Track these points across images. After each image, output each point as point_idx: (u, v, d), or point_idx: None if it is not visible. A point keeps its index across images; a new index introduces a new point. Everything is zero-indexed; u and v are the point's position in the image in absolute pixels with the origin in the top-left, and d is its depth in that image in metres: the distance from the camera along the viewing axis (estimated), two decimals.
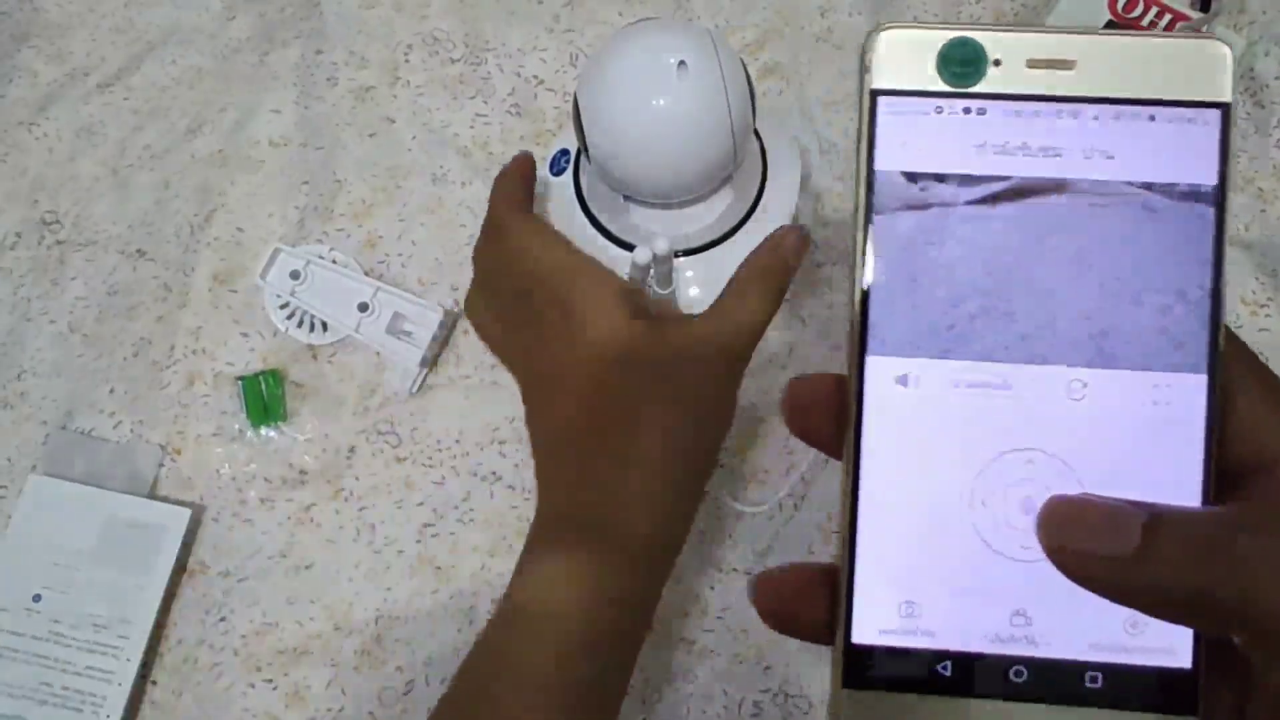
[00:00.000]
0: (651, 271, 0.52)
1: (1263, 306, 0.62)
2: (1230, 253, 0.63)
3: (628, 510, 0.44)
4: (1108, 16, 0.64)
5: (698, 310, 0.55)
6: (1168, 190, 0.25)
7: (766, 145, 0.61)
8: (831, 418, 0.26)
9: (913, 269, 0.26)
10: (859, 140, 0.26)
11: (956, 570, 0.25)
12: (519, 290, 0.49)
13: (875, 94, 0.26)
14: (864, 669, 0.25)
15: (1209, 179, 0.25)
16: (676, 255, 0.56)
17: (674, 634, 0.59)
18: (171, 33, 0.76)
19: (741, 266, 0.49)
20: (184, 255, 0.69)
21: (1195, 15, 0.63)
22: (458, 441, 0.63)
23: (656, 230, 0.58)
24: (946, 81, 0.26)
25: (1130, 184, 0.25)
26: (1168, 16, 0.64)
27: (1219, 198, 0.25)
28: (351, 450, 0.64)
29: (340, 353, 0.66)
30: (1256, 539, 0.21)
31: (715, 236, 0.58)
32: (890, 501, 0.26)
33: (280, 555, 0.62)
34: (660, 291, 0.53)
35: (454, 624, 0.60)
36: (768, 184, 0.60)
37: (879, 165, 0.26)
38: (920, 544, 0.25)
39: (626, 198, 0.58)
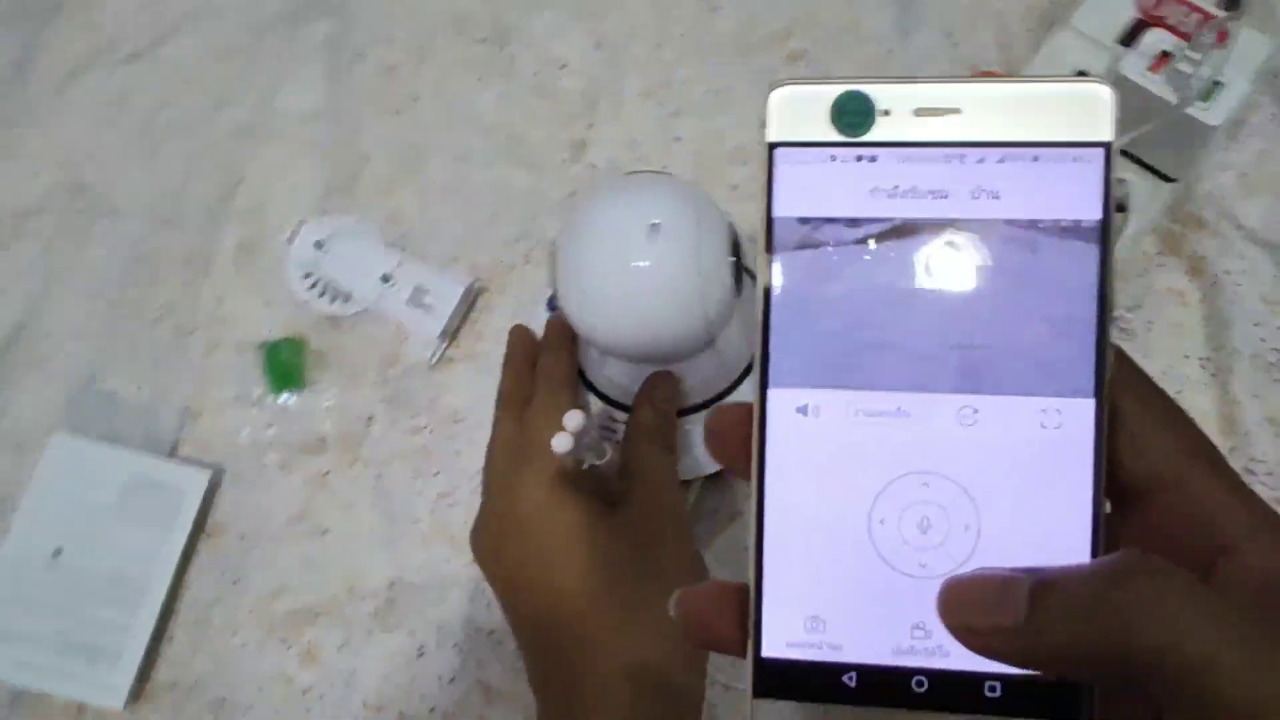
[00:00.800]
0: (581, 444, 0.50)
1: None
2: (1250, 251, 0.64)
3: (619, 710, 0.45)
4: (1135, 14, 0.65)
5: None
6: (1052, 226, 0.26)
7: None
8: (744, 444, 0.27)
9: (810, 307, 0.27)
10: (761, 189, 0.27)
11: (858, 586, 0.26)
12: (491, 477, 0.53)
13: (772, 146, 0.27)
14: (774, 680, 0.26)
15: (1093, 214, 0.26)
16: (681, 414, 0.55)
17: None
18: (203, 6, 0.77)
19: (628, 432, 0.52)
20: (209, 225, 0.70)
21: (1221, 14, 0.63)
22: (474, 414, 0.64)
23: (626, 383, 0.56)
24: (839, 131, 0.27)
25: (1016, 221, 0.26)
26: (1195, 16, 0.64)
27: (1102, 232, 0.26)
28: (370, 419, 0.65)
29: (361, 323, 0.67)
30: (1129, 588, 0.22)
31: (721, 389, 0.56)
32: (794, 523, 0.27)
33: (297, 519, 0.63)
34: (597, 463, 0.50)
35: (465, 593, 0.60)
36: None
37: (777, 212, 0.27)
38: (824, 562, 0.26)
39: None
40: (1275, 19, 0.69)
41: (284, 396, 0.65)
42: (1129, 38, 0.64)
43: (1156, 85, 0.59)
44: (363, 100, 0.73)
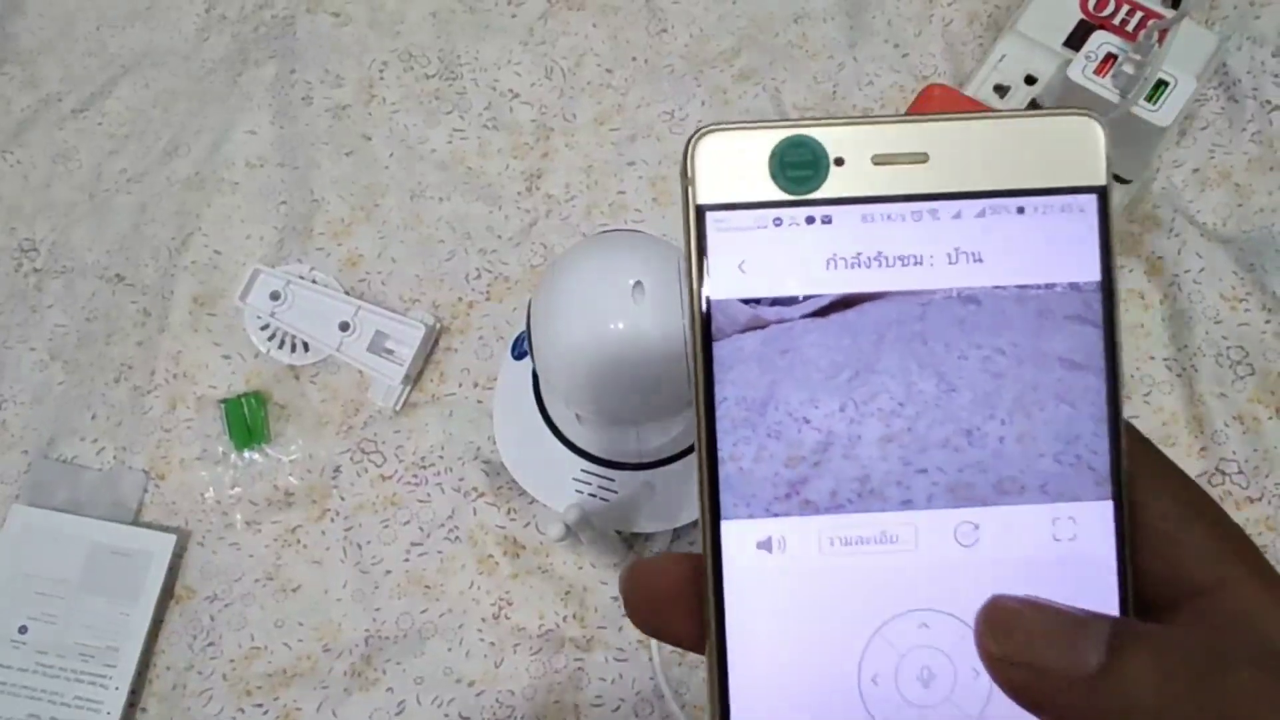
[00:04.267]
0: (580, 535, 0.49)
1: (1241, 301, 0.62)
2: (1208, 247, 0.64)
3: None
4: (1079, 17, 0.65)
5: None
6: (1046, 292, 0.22)
7: None
8: (687, 607, 0.22)
9: (764, 413, 0.22)
10: (687, 266, 0.23)
11: None
12: None
13: (702, 210, 0.23)
14: None
15: (1090, 274, 0.22)
16: (641, 467, 0.54)
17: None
18: (145, 55, 0.76)
19: None
20: (162, 279, 0.69)
21: (1168, 13, 0.64)
22: (441, 458, 0.63)
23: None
24: (783, 188, 0.23)
25: (1003, 288, 0.22)
26: (1139, 14, 0.64)
27: (1105, 294, 0.22)
28: (336, 470, 0.64)
29: (322, 372, 0.66)
30: (1252, 675, 0.19)
31: (687, 445, 0.55)
32: (767, 689, 0.22)
33: (267, 578, 0.62)
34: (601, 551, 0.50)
35: (444, 643, 0.60)
36: None
37: (713, 294, 0.22)
38: None
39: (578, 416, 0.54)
40: (1220, 13, 0.70)
41: (248, 452, 0.64)
42: (1074, 41, 0.64)
43: (1104, 88, 0.59)
44: (313, 143, 0.72)
